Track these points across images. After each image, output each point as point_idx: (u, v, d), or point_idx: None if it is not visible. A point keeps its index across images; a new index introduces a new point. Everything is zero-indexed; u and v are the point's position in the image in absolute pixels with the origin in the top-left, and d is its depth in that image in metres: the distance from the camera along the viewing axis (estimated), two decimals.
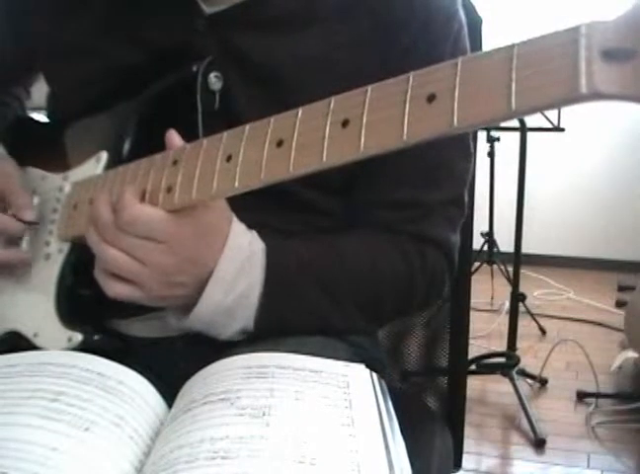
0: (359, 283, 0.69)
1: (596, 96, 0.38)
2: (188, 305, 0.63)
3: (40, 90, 0.87)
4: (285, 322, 0.66)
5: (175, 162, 0.59)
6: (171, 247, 0.58)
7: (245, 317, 0.64)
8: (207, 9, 0.68)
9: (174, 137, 0.60)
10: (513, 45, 0.41)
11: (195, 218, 0.59)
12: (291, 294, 0.66)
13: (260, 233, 0.65)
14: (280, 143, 0.51)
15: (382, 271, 0.70)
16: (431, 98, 0.44)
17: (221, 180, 0.54)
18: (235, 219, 0.63)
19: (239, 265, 0.62)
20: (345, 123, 0.48)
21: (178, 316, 0.64)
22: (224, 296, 0.62)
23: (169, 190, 0.58)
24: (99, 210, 0.59)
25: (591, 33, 0.38)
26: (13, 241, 0.72)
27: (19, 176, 0.74)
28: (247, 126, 0.54)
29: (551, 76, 0.39)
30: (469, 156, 0.75)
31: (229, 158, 0.54)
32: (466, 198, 0.75)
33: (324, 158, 0.48)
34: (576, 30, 0.38)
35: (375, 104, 0.47)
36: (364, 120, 0.47)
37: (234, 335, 0.65)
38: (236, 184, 0.53)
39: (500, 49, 0.41)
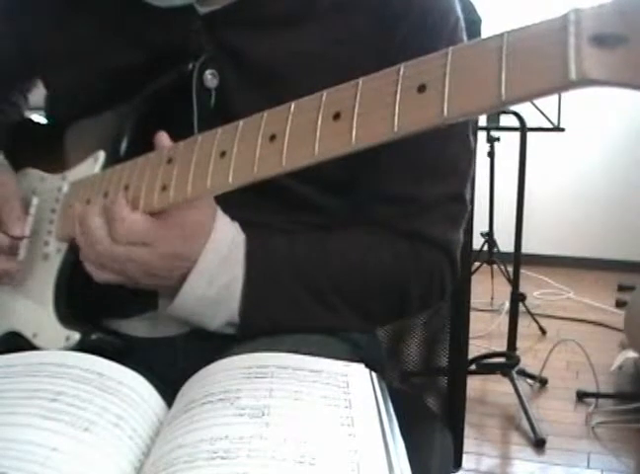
0: (344, 280, 0.69)
1: (586, 82, 0.37)
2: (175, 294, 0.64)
3: (38, 90, 0.86)
4: (271, 316, 0.67)
5: (170, 160, 0.59)
6: (158, 247, 0.61)
7: (230, 308, 0.65)
8: (202, 9, 0.68)
9: (163, 139, 0.62)
10: (502, 34, 0.40)
11: (180, 218, 0.61)
12: (273, 287, 0.67)
13: (245, 230, 0.66)
14: (272, 138, 0.51)
15: (370, 268, 0.69)
16: (421, 88, 0.43)
17: (215, 176, 0.54)
18: (219, 214, 0.65)
19: (222, 258, 0.64)
20: (336, 117, 0.47)
21: (168, 303, 0.66)
22: (207, 287, 0.64)
23: (164, 188, 0.59)
24: (93, 222, 0.61)
25: (579, 19, 0.38)
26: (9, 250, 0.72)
27: (13, 189, 0.74)
28: (241, 122, 0.54)
29: (541, 64, 0.39)
30: (470, 151, 0.74)
31: (223, 154, 0.54)
32: (468, 195, 0.74)
33: (316, 152, 0.48)
34: (565, 17, 0.38)
35: (366, 96, 0.46)
36: (355, 113, 0.46)
37: (221, 327, 0.66)
38: (230, 180, 0.53)
39: (490, 38, 0.41)
